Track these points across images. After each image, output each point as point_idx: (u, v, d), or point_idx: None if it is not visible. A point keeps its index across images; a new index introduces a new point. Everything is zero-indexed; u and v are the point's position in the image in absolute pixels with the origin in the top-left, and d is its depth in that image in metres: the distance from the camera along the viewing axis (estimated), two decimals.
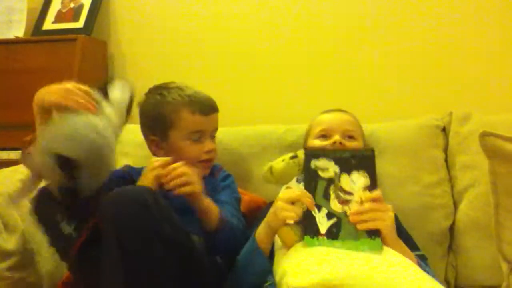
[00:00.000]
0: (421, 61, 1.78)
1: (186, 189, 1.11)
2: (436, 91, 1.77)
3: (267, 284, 1.08)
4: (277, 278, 0.97)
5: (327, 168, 1.02)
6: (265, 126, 1.59)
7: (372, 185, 1.03)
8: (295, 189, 1.10)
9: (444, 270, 1.38)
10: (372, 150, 1.05)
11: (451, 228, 1.40)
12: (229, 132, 1.57)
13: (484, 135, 1.13)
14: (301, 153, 1.19)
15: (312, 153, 1.04)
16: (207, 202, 1.17)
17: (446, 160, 1.46)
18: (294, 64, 1.89)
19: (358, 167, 1.03)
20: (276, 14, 1.91)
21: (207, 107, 1.31)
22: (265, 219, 1.09)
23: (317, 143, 1.28)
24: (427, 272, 1.02)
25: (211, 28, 1.97)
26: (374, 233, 1.01)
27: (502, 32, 1.71)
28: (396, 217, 1.29)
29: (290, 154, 1.22)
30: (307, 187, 1.03)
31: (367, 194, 1.02)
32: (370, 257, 0.93)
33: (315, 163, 1.03)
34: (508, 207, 1.10)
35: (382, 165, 1.44)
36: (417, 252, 1.16)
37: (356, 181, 1.02)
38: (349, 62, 1.85)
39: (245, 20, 1.94)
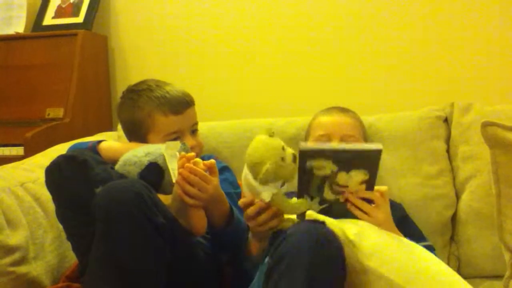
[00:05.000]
0: (423, 51, 1.77)
1: (188, 200, 1.05)
2: (437, 82, 1.76)
3: None
4: None
5: (324, 167, 0.96)
6: (265, 119, 1.59)
7: (371, 181, 0.99)
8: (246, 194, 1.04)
9: (446, 260, 1.38)
10: (379, 150, 0.95)
11: (453, 219, 1.40)
12: (229, 125, 1.57)
13: (485, 125, 1.12)
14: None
15: (309, 155, 0.94)
16: (216, 204, 1.13)
17: (448, 151, 1.46)
18: (295, 57, 1.89)
19: (358, 166, 0.96)
20: (276, 8, 1.90)
21: (179, 106, 1.25)
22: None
23: None
24: None
25: (211, 23, 1.96)
26: None
27: (503, 22, 1.70)
28: (402, 208, 1.29)
29: (291, 152, 1.01)
30: (300, 184, 0.99)
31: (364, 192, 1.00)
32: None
33: (311, 162, 0.95)
34: (509, 197, 1.09)
35: (382, 157, 1.43)
36: (425, 243, 1.16)
37: (354, 177, 0.97)
38: (349, 54, 1.84)
39: (244, 14, 1.93)
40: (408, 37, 1.78)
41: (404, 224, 1.12)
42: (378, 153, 0.95)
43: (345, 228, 0.92)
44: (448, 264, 1.37)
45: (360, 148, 0.97)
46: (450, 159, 1.45)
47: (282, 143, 1.00)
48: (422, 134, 1.44)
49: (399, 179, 1.41)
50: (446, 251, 1.39)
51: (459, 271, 1.38)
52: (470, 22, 1.72)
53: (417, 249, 0.93)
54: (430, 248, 1.16)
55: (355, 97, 1.80)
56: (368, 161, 0.96)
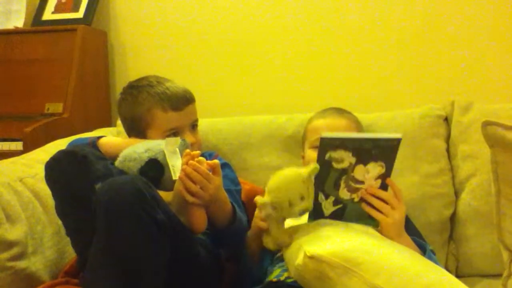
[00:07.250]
0: (423, 49, 1.77)
1: (189, 198, 1.06)
2: (438, 81, 1.76)
3: (278, 270, 1.09)
4: (289, 254, 0.96)
5: (343, 159, 0.96)
6: (265, 116, 1.59)
7: (387, 174, 1.00)
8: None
9: (444, 259, 1.39)
10: (399, 140, 0.96)
11: (452, 218, 1.41)
12: (229, 122, 1.57)
13: (486, 124, 1.12)
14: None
15: (330, 144, 0.94)
16: (218, 204, 1.12)
17: (448, 150, 1.46)
18: (295, 54, 1.89)
19: (376, 158, 0.97)
20: (278, 5, 1.89)
21: (179, 102, 1.25)
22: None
23: (312, 154, 1.20)
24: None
25: (212, 19, 1.96)
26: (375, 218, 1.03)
27: (504, 21, 1.70)
28: None
29: (302, 206, 0.96)
30: (317, 176, 0.98)
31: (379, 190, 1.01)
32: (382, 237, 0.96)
33: (331, 154, 0.95)
34: (509, 196, 1.09)
35: None
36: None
37: (370, 171, 0.98)
38: (349, 52, 1.84)
39: (245, 11, 1.92)
40: (408, 35, 1.78)
41: (406, 229, 1.12)
42: (397, 142, 0.97)
43: (344, 251, 0.87)
44: (446, 262, 1.39)
45: (381, 137, 0.98)
46: (449, 158, 1.45)
47: (302, 192, 0.95)
48: (422, 133, 1.44)
49: (399, 177, 1.39)
50: (444, 250, 1.40)
51: (457, 270, 1.39)
52: (470, 20, 1.73)
53: (424, 262, 0.93)
54: (431, 252, 1.15)
55: (355, 95, 1.80)
56: (387, 151, 0.97)
